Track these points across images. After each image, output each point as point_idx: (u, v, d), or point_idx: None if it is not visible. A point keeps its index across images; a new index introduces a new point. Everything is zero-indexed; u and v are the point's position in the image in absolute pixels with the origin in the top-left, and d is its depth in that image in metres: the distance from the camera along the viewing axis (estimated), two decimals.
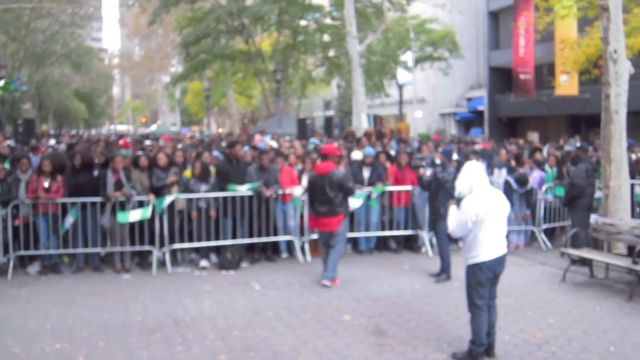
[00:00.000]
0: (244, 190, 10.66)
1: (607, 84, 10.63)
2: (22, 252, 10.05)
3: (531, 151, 13.94)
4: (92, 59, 50.40)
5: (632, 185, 11.38)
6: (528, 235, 12.56)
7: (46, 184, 9.92)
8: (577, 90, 30.83)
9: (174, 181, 10.36)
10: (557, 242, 12.20)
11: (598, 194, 11.38)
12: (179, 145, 14.58)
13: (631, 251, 9.08)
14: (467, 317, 6.28)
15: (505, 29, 37.30)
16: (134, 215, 10.05)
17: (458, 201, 6.33)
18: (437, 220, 9.72)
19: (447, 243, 9.82)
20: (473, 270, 6.20)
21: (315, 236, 11.20)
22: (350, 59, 19.91)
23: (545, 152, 14.41)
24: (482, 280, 6.15)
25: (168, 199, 10.18)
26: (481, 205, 6.06)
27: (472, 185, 6.13)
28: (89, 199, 10.07)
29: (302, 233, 11.21)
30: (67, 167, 10.55)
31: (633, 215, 11.28)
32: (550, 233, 12.60)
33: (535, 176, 12.37)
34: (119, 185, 10.18)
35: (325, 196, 9.27)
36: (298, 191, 10.95)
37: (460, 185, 6.24)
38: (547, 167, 12.78)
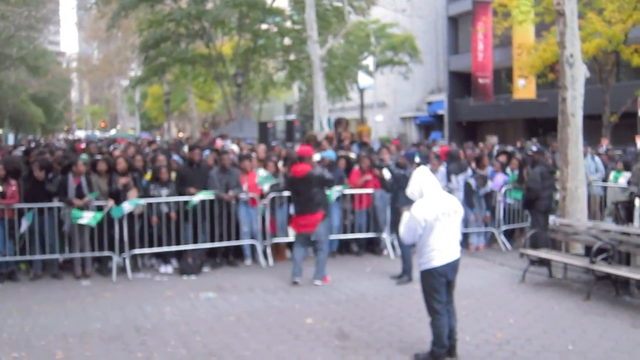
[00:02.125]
0: (197, 198, 10.56)
1: (563, 87, 10.83)
2: None
3: (496, 154, 14.08)
4: (49, 63, 49.53)
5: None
6: (488, 236, 12.71)
7: (0, 189, 9.68)
8: (535, 94, 31.43)
9: (127, 183, 10.18)
10: (517, 243, 12.35)
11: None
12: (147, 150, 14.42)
13: (588, 251, 9.23)
14: (429, 319, 6.31)
15: (465, 34, 37.81)
16: (86, 218, 9.86)
17: (411, 207, 6.35)
18: (399, 222, 9.75)
19: (409, 245, 9.86)
20: (425, 276, 6.20)
21: (277, 240, 11.21)
22: (311, 63, 19.92)
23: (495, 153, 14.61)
24: (436, 286, 6.14)
25: (127, 207, 10.02)
26: (430, 211, 6.02)
27: (422, 190, 6.13)
28: (46, 205, 9.88)
29: (264, 237, 11.16)
30: (22, 172, 10.33)
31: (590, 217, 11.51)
32: (509, 234, 12.78)
33: (498, 179, 12.52)
34: (79, 190, 10.01)
35: (304, 196, 9.49)
36: (262, 172, 11.14)
37: (410, 191, 6.25)
38: (508, 170, 12.95)
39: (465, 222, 11.73)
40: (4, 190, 9.70)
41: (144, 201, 10.28)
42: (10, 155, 13.32)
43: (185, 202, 10.55)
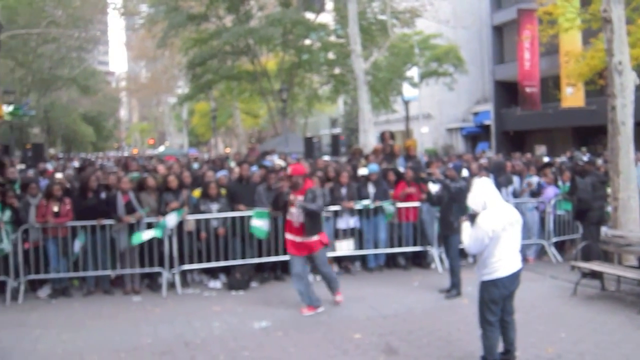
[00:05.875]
0: (257, 223, 10.63)
1: (612, 95, 10.63)
2: (33, 276, 10.07)
3: (541, 166, 13.88)
4: (99, 82, 50.72)
5: None
6: (538, 249, 12.51)
7: (55, 208, 9.96)
8: (583, 102, 30.83)
9: (177, 207, 10.33)
10: (568, 256, 12.15)
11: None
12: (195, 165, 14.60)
13: None
14: (478, 333, 6.24)
15: (510, 43, 37.42)
16: (147, 234, 10.07)
17: (470, 217, 6.30)
18: (450, 236, 9.70)
19: (458, 258, 9.80)
20: (487, 287, 6.14)
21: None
22: (355, 77, 19.96)
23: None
24: (496, 297, 6.10)
25: (170, 219, 10.17)
26: (497, 221, 6.00)
27: (485, 202, 6.10)
28: (98, 223, 10.11)
29: None
30: (75, 190, 10.60)
31: None
32: (560, 246, 12.56)
33: (549, 192, 12.34)
34: (129, 208, 10.23)
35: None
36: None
37: (473, 202, 6.19)
38: (559, 182, 12.76)
39: None
40: (59, 210, 9.97)
41: (193, 217, 10.43)
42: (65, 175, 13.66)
43: (234, 218, 10.66)
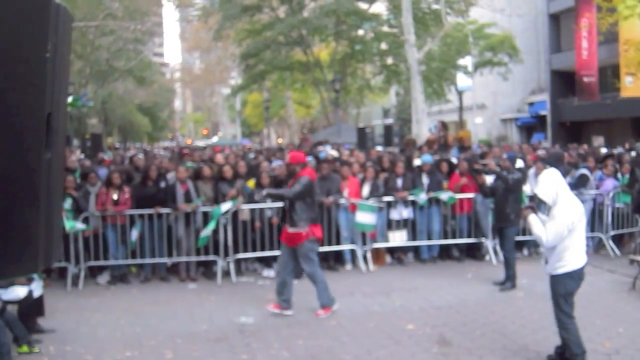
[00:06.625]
0: (362, 213, 10.69)
1: None
2: (92, 263, 10.37)
3: (602, 158, 13.58)
4: (154, 74, 51.55)
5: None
6: (595, 242, 12.27)
7: (115, 196, 10.22)
8: None
9: (234, 195, 10.48)
10: (626, 249, 11.88)
11: None
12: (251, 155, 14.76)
13: None
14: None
15: (567, 32, 36.59)
16: (225, 206, 10.22)
17: (532, 209, 6.20)
18: (505, 227, 9.58)
19: (514, 251, 9.69)
20: (563, 280, 5.99)
21: (377, 245, 11.23)
22: (408, 67, 19.84)
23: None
24: (573, 290, 6.00)
25: (226, 206, 10.29)
26: (575, 212, 5.87)
27: (557, 193, 5.91)
28: (156, 211, 10.34)
29: (364, 242, 11.22)
30: (134, 179, 10.86)
31: None
32: (618, 240, 12.29)
33: (608, 184, 12.08)
34: (188, 197, 10.43)
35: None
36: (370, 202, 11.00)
37: (544, 194, 5.96)
38: (619, 175, 12.49)
39: None
40: (118, 198, 10.23)
41: (247, 206, 10.56)
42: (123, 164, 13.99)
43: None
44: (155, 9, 45.04)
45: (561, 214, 5.86)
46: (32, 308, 7.57)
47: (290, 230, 8.23)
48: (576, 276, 5.96)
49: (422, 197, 11.19)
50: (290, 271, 8.52)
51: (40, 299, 7.77)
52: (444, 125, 14.73)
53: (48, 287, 9.33)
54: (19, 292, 7.29)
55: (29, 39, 1.51)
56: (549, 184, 5.98)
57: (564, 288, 6.00)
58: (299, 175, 8.31)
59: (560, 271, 5.99)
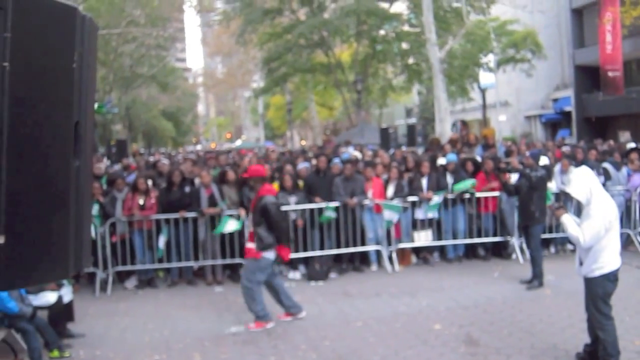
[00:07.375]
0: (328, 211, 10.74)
1: None
2: (120, 268, 10.49)
3: (626, 152, 13.41)
4: (177, 79, 51.92)
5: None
6: (623, 238, 12.11)
7: (141, 202, 10.33)
8: None
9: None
10: None
11: None
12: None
13: None
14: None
15: (590, 26, 36.18)
16: (230, 226, 10.31)
17: (560, 208, 6.12)
18: (531, 226, 9.52)
19: (540, 249, 9.62)
20: (601, 282, 5.81)
21: (402, 245, 11.22)
22: (430, 66, 19.78)
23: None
24: (611, 290, 5.85)
25: (231, 227, 10.36)
26: (611, 211, 5.70)
27: (592, 191, 5.72)
28: (181, 215, 10.41)
29: (389, 242, 11.21)
30: (159, 184, 10.97)
31: None
32: None
33: (635, 179, 11.94)
34: (212, 201, 10.50)
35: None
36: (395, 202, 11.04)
37: (577, 192, 5.77)
38: None
39: None
40: (144, 203, 10.33)
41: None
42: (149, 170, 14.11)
43: (312, 210, 10.78)
44: (176, 15, 45.33)
45: (597, 213, 5.67)
46: (62, 313, 7.68)
47: (247, 244, 8.16)
48: (613, 277, 5.81)
49: (436, 199, 11.14)
50: (273, 278, 8.32)
51: (70, 304, 7.90)
52: (464, 124, 14.66)
53: (77, 293, 9.46)
54: (49, 297, 7.42)
55: (56, 50, 1.55)
56: (582, 182, 5.78)
57: (602, 290, 5.84)
58: (260, 194, 7.97)
59: (597, 273, 5.81)
